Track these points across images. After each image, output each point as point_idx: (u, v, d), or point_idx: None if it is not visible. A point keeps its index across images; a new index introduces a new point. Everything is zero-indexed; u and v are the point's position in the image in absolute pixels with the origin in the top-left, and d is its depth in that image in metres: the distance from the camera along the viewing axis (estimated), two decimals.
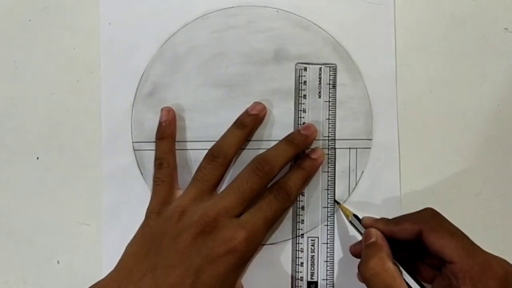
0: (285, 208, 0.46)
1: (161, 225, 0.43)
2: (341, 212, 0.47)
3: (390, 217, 0.45)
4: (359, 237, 0.45)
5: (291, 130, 0.48)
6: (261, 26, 0.49)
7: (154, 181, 0.46)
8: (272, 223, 0.44)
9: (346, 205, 0.47)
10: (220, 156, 0.45)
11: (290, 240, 0.48)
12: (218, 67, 0.49)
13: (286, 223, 0.48)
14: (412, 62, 0.49)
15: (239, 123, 0.47)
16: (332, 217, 0.48)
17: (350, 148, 0.48)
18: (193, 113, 0.49)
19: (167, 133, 0.47)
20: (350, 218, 0.46)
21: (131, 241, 0.44)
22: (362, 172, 0.48)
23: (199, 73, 0.49)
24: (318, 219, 0.48)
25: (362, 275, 0.40)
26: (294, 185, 0.45)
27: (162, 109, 0.48)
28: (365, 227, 0.44)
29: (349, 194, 0.48)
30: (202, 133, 0.48)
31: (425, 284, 0.41)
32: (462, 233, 0.40)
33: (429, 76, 0.49)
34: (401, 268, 0.41)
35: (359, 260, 0.42)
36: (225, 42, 0.49)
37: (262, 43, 0.49)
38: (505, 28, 0.49)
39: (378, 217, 0.45)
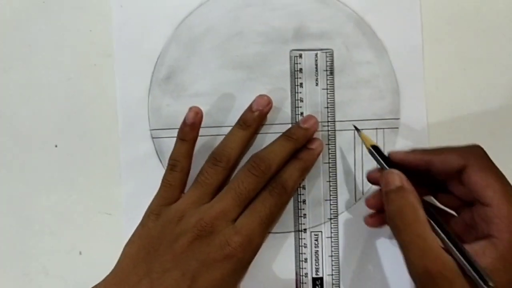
0: (282, 204, 0.44)
1: (160, 228, 0.43)
2: (361, 141, 0.44)
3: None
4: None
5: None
6: (279, 2, 0.47)
7: (162, 181, 0.45)
8: (269, 222, 0.43)
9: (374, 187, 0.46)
10: (223, 161, 0.43)
11: (293, 234, 0.47)
12: (236, 48, 0.47)
13: (288, 218, 0.47)
14: (443, 38, 0.47)
15: (242, 123, 0.45)
16: (336, 210, 0.47)
17: (377, 128, 0.46)
18: (212, 96, 0.47)
19: (190, 137, 0.45)
20: (369, 147, 0.43)
21: (130, 241, 0.43)
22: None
23: (216, 55, 0.47)
24: (321, 213, 0.47)
25: (393, 223, 0.38)
26: (290, 177, 0.43)
27: (190, 108, 0.44)
28: (394, 161, 0.41)
29: None
30: (221, 118, 0.47)
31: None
32: (507, 180, 0.38)
33: (462, 52, 0.47)
34: (429, 219, 0.38)
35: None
36: (242, 21, 0.47)
37: (281, 20, 0.47)
38: None
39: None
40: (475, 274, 0.35)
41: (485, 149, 0.43)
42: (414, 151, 0.41)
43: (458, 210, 0.41)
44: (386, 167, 0.41)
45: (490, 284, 0.35)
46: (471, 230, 0.39)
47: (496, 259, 0.35)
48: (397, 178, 0.39)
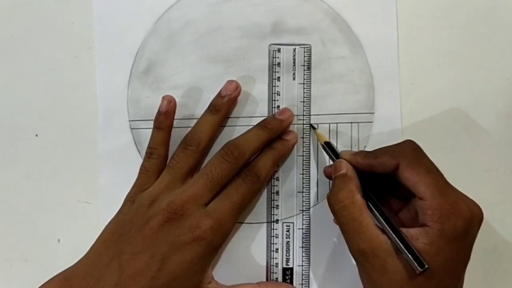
0: (255, 191, 0.45)
1: (133, 212, 0.44)
2: (316, 137, 0.47)
3: None
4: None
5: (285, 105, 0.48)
6: None
7: (140, 168, 0.46)
8: (240, 209, 0.43)
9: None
10: (193, 144, 0.45)
11: (265, 225, 0.48)
12: (215, 42, 0.48)
13: (261, 209, 0.48)
14: (418, 35, 0.47)
15: (212, 107, 0.46)
16: (308, 203, 0.47)
17: (351, 122, 0.47)
18: (190, 90, 0.48)
19: (165, 125, 0.46)
20: (323, 143, 0.45)
21: (105, 226, 0.44)
22: (365, 146, 0.47)
23: (195, 49, 0.48)
24: (293, 205, 0.47)
25: (331, 207, 0.41)
26: (263, 166, 0.44)
27: (163, 98, 0.46)
28: (343, 159, 0.44)
29: None
30: (199, 111, 0.47)
31: (390, 217, 0.40)
32: (438, 170, 0.40)
33: (436, 49, 0.48)
34: (368, 203, 0.41)
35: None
36: (222, 15, 0.48)
37: (260, 16, 0.48)
38: None
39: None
40: (410, 256, 0.37)
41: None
42: (358, 154, 0.43)
43: (408, 199, 0.43)
44: (335, 158, 0.44)
45: (425, 265, 0.37)
46: (416, 218, 0.40)
47: (427, 244, 0.37)
48: (343, 165, 0.42)
